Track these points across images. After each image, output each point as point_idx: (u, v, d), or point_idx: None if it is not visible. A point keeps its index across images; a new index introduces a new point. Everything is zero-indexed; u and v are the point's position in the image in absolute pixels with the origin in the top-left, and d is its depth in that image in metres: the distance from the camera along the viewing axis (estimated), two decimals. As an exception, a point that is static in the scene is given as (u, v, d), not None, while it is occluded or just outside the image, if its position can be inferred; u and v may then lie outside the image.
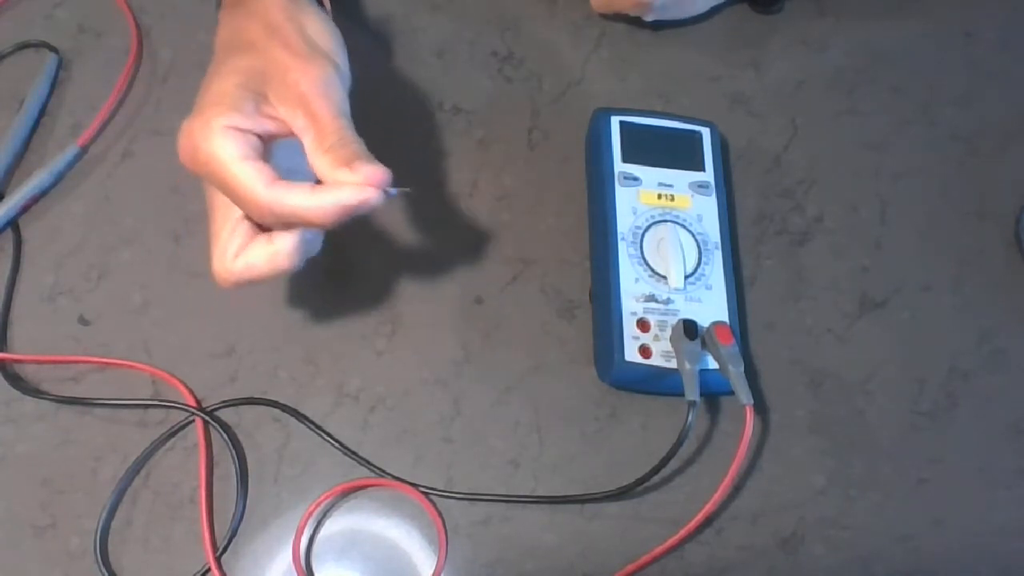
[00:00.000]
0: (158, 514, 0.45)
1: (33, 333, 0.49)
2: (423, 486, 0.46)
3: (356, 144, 0.39)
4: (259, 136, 0.39)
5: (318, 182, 0.39)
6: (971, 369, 0.49)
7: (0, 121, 0.53)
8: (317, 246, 0.42)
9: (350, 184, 0.37)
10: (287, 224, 0.38)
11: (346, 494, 0.46)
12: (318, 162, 0.38)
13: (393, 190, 0.38)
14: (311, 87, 0.39)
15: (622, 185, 0.50)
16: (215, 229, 0.40)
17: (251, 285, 0.40)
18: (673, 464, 0.44)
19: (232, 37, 0.42)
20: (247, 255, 0.39)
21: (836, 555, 0.45)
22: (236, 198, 0.38)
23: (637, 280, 0.48)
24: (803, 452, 0.47)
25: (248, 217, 0.39)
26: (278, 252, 0.39)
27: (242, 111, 0.38)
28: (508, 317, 0.50)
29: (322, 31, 0.43)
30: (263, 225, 0.39)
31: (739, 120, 0.55)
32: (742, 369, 0.44)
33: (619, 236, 0.48)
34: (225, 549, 0.44)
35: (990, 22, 0.59)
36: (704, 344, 0.45)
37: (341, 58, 0.43)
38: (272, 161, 0.39)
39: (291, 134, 0.40)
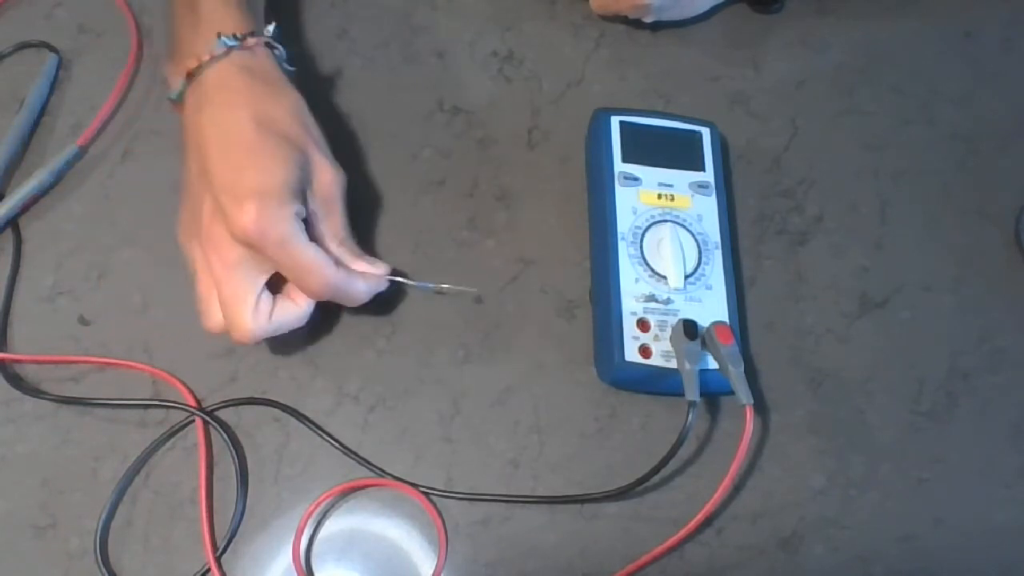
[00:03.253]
0: (158, 514, 0.45)
1: (33, 333, 0.49)
2: (423, 486, 0.46)
3: (353, 242, 0.47)
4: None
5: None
6: (971, 369, 0.49)
7: (0, 121, 0.53)
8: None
9: (377, 275, 0.46)
10: (334, 296, 0.45)
11: (346, 494, 0.46)
12: (333, 249, 0.46)
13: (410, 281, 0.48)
14: (338, 192, 0.46)
15: (622, 185, 0.50)
16: (237, 293, 0.43)
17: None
18: (673, 464, 0.44)
19: (262, 116, 0.44)
20: (279, 315, 0.44)
21: (836, 555, 0.45)
22: (303, 275, 0.43)
23: (637, 280, 0.48)
24: (803, 452, 0.47)
25: (268, 283, 0.44)
26: (304, 313, 0.45)
27: (300, 201, 0.43)
28: (508, 317, 0.50)
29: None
30: (308, 293, 0.45)
31: (739, 120, 0.55)
32: (742, 369, 0.44)
33: (619, 236, 0.48)
34: (225, 549, 0.44)
35: (990, 22, 0.59)
36: (704, 344, 0.45)
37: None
38: None
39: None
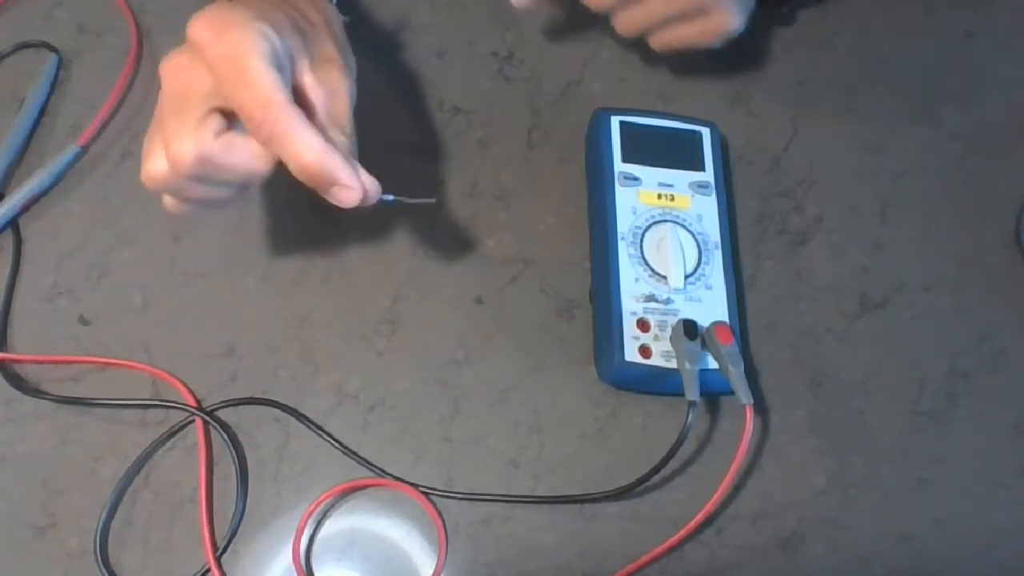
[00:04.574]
0: (158, 514, 0.45)
1: (33, 333, 0.49)
2: (423, 486, 0.46)
3: (352, 146, 0.42)
4: (282, 69, 0.38)
5: None
6: (971, 369, 0.49)
7: (0, 121, 0.53)
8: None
9: (349, 170, 0.39)
10: (268, 142, 0.37)
11: (346, 494, 0.46)
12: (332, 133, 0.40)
13: (390, 196, 0.43)
14: (344, 86, 0.42)
15: (622, 185, 0.50)
16: (184, 106, 0.38)
17: (199, 178, 0.38)
18: (673, 464, 0.44)
19: None
20: (229, 140, 0.38)
21: (836, 555, 0.45)
22: (246, 96, 0.36)
23: (637, 280, 0.48)
24: (803, 452, 0.47)
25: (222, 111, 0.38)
26: (261, 154, 0.38)
27: (282, 34, 0.38)
28: (508, 317, 0.50)
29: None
30: (253, 129, 0.38)
31: (739, 120, 0.55)
32: (742, 369, 0.44)
33: (619, 236, 0.48)
34: (225, 549, 0.44)
35: (990, 22, 0.59)
36: (704, 344, 0.45)
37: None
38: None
39: (298, 86, 0.40)
